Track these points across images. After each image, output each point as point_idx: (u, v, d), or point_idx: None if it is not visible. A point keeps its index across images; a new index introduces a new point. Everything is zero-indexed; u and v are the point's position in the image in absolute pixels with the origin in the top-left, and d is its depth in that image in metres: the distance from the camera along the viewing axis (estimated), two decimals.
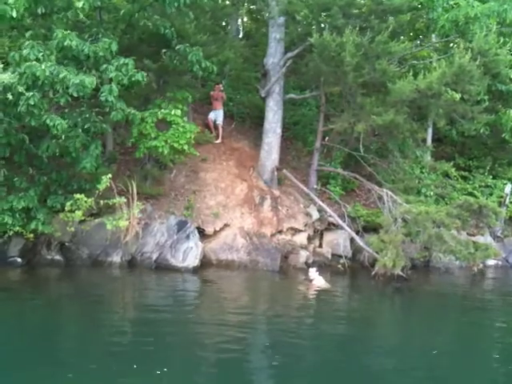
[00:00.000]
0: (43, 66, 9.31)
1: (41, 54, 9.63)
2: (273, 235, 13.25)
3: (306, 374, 6.72)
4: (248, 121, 16.51)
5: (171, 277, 11.37)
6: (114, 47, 10.45)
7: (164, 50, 11.90)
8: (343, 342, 7.96)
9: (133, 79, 10.30)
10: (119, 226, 11.15)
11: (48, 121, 9.58)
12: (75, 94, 9.66)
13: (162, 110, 12.00)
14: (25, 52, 9.65)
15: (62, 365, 6.44)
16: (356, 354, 7.47)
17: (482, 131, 15.30)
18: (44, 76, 9.32)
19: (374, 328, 9.16)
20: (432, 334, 8.69)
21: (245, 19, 19.46)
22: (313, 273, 11.22)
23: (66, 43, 9.79)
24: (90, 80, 9.60)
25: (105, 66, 10.31)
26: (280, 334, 8.01)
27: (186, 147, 12.07)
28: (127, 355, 6.74)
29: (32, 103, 9.31)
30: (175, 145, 11.95)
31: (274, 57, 14.14)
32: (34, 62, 9.37)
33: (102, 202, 11.02)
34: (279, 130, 14.35)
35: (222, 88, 15.12)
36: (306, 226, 13.65)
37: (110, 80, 10.33)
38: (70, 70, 9.69)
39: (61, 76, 9.39)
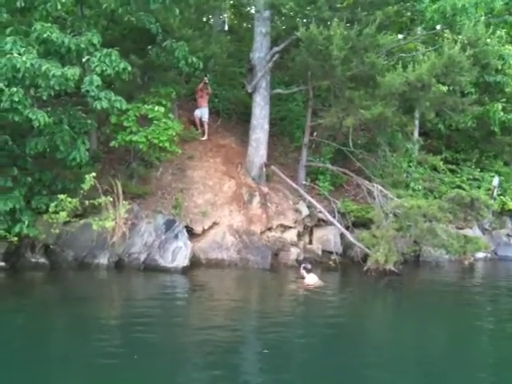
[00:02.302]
0: (24, 58, 8.94)
1: (23, 49, 9.26)
2: (262, 232, 13.04)
3: (297, 371, 6.51)
4: (234, 117, 16.30)
5: (160, 278, 11.07)
6: (96, 39, 10.11)
7: (150, 47, 11.60)
8: (336, 339, 7.72)
9: (116, 69, 9.95)
10: (105, 226, 10.83)
11: (30, 114, 9.20)
12: (57, 87, 9.27)
13: (145, 106, 11.75)
14: (7, 47, 9.26)
15: (48, 372, 6.14)
16: (348, 351, 7.26)
17: (469, 124, 15.25)
18: (24, 68, 8.94)
19: (368, 324, 8.96)
20: (426, 330, 8.53)
21: (227, 14, 19.10)
22: (305, 270, 10.99)
23: (45, 35, 9.42)
24: (72, 72, 9.24)
25: (87, 57, 9.97)
26: (272, 333, 7.76)
27: (167, 144, 11.79)
28: (116, 361, 6.43)
29: (16, 99, 8.95)
30: (155, 141, 11.68)
31: (260, 51, 13.92)
32: (15, 55, 8.99)
33: (87, 202, 10.68)
34: (267, 126, 14.14)
35: (207, 81, 14.81)
36: (295, 222, 13.46)
37: (93, 72, 9.99)
38: (53, 64, 9.33)
39: (43, 69, 9.02)
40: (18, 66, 8.92)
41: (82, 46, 9.80)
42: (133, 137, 11.57)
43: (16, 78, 9.13)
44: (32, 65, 9.01)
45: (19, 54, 9.09)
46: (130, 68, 10.23)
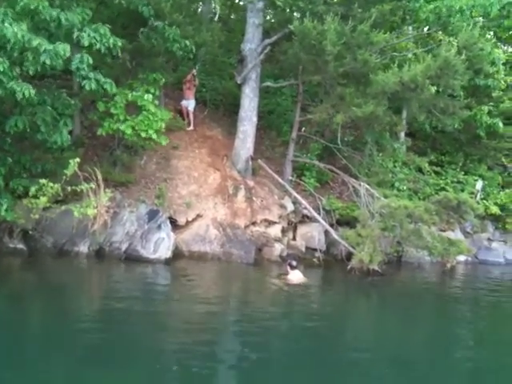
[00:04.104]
0: (15, 29, 8.53)
1: (14, 23, 8.83)
2: (247, 227, 12.85)
3: (274, 366, 6.46)
4: (221, 108, 16.06)
5: (142, 269, 10.82)
6: (83, 13, 9.73)
7: (141, 29, 11.28)
8: (316, 336, 7.66)
9: (106, 45, 9.60)
10: (87, 213, 10.51)
11: (15, 86, 8.79)
12: (47, 62, 8.84)
13: (134, 93, 11.44)
14: None
15: (24, 364, 5.88)
16: (328, 347, 7.23)
17: (456, 127, 15.25)
18: (15, 38, 8.53)
19: (349, 323, 8.95)
20: (407, 329, 8.57)
21: (218, 3, 18.81)
22: (290, 266, 10.84)
23: (32, 7, 9.00)
24: (63, 47, 8.85)
25: (77, 33, 9.58)
26: (251, 327, 7.68)
27: (154, 136, 11.50)
28: (92, 352, 6.31)
29: (1, 69, 8.54)
30: (143, 134, 11.38)
31: (252, 43, 13.67)
32: (5, 24, 8.57)
33: (69, 188, 10.35)
34: (255, 119, 13.91)
35: (195, 73, 14.56)
36: (280, 218, 13.30)
37: (83, 48, 9.63)
38: (43, 39, 8.94)
39: (34, 43, 8.62)
40: (8, 36, 8.49)
41: (75, 19, 9.37)
42: (120, 125, 11.26)
43: (3, 48, 8.71)
44: (23, 36, 8.60)
45: (10, 25, 8.68)
46: (120, 43, 9.86)
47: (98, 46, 9.55)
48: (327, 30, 11.70)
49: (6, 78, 8.64)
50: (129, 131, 11.31)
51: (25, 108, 9.68)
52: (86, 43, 9.43)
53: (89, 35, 9.46)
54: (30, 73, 9.05)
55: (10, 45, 8.55)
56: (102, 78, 9.81)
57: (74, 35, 9.52)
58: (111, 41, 9.61)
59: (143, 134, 11.40)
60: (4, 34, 8.43)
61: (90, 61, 9.47)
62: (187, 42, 11.37)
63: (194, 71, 14.62)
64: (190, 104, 14.72)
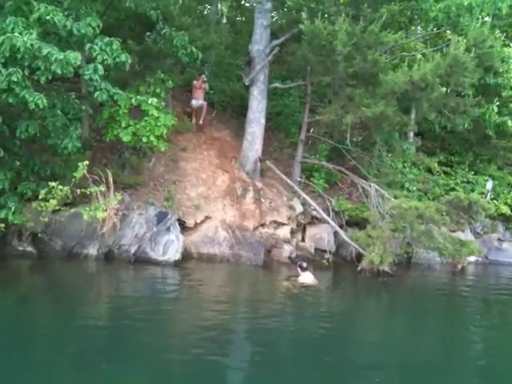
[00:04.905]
0: (25, 38, 8.52)
1: (25, 31, 8.83)
2: (255, 228, 12.80)
3: (285, 369, 6.40)
4: (229, 110, 16.01)
5: (151, 271, 10.77)
6: (94, 23, 9.73)
7: (148, 33, 11.26)
8: (327, 337, 7.58)
9: (117, 60, 9.62)
10: (96, 216, 10.50)
11: (27, 95, 8.79)
12: (59, 71, 8.86)
13: (138, 97, 11.34)
14: (9, 28, 8.80)
15: (32, 366, 5.86)
16: (339, 349, 7.18)
17: (465, 126, 15.11)
18: (25, 48, 8.51)
19: (360, 324, 8.83)
20: (418, 331, 8.46)
21: (224, 7, 18.79)
22: (300, 268, 10.76)
23: (48, 17, 8.99)
24: (74, 55, 8.85)
25: (89, 45, 9.59)
26: (262, 329, 7.62)
27: (155, 142, 11.44)
28: (100, 352, 6.34)
29: (15, 79, 8.53)
30: (144, 139, 11.33)
31: (260, 44, 13.64)
32: (15, 34, 8.57)
33: (78, 190, 10.33)
34: (263, 120, 13.87)
35: (205, 78, 14.50)
36: (289, 219, 13.24)
37: (94, 60, 9.63)
38: (52, 47, 8.94)
39: (44, 51, 8.61)
40: (17, 46, 8.47)
41: (83, 31, 9.36)
42: (120, 132, 11.22)
43: (14, 58, 8.69)
44: (32, 45, 8.58)
45: (20, 34, 8.68)
46: (130, 61, 9.87)
47: (108, 61, 9.55)
48: (338, 30, 11.64)
49: (18, 87, 8.64)
50: (128, 138, 11.25)
51: (34, 112, 9.66)
52: (100, 59, 9.44)
53: (101, 48, 9.46)
54: (42, 81, 9.04)
55: (20, 54, 8.54)
56: (113, 89, 9.83)
57: (86, 47, 9.52)
58: (123, 58, 9.61)
59: (144, 139, 11.38)
60: (14, 43, 8.43)
61: (102, 71, 9.48)
62: (193, 49, 11.32)
63: (204, 77, 14.54)
64: (199, 104, 14.61)
